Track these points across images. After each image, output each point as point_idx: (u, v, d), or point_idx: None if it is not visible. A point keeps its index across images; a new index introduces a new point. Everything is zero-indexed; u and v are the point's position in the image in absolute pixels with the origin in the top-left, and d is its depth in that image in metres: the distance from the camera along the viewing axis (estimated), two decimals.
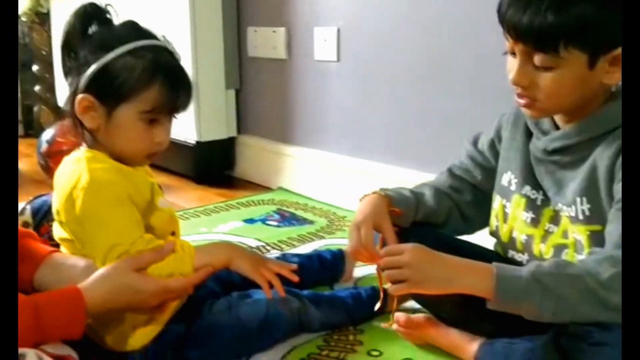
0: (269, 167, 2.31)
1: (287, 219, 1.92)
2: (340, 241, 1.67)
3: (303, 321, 1.15)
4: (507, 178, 1.07)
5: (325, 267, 1.39)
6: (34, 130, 3.31)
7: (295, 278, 1.04)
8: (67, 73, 1.01)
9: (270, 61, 2.23)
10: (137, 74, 0.95)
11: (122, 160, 1.00)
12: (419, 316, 1.13)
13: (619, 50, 0.88)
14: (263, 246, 1.66)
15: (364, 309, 1.22)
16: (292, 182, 2.22)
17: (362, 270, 1.47)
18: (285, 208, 2.02)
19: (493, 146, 1.13)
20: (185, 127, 2.30)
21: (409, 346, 1.14)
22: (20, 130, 3.48)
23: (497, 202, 1.09)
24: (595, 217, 0.93)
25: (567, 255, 0.98)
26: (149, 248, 0.95)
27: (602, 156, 0.91)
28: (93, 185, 0.94)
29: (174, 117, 1.02)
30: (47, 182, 2.19)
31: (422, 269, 0.90)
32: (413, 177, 1.80)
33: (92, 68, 0.95)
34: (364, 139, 1.99)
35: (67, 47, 0.99)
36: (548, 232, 1.01)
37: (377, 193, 1.09)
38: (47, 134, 2.27)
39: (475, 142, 1.17)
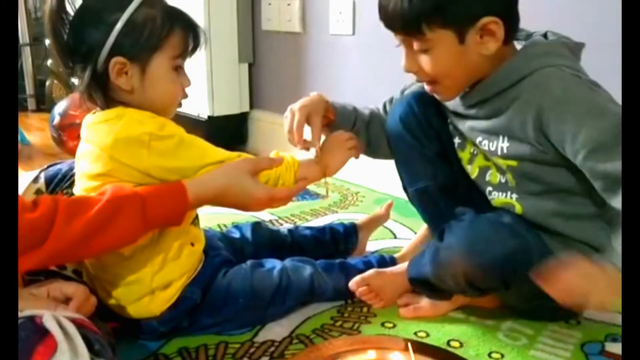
0: (282, 143, 2.28)
1: (300, 193, 1.90)
2: (353, 216, 1.66)
3: (316, 288, 1.15)
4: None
5: (338, 240, 1.38)
6: (45, 104, 3.32)
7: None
8: (64, 45, 0.98)
9: (285, 35, 2.20)
10: (160, 22, 0.97)
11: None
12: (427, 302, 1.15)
13: (484, 20, 0.91)
14: (276, 220, 1.66)
15: None
16: (305, 157, 2.19)
17: (376, 244, 1.46)
18: None
19: None
20: (197, 102, 2.28)
21: (422, 320, 1.13)
22: (32, 104, 3.49)
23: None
24: (512, 153, 0.98)
25: (491, 175, 1.05)
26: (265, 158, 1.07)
27: (524, 103, 0.94)
28: (163, 123, 0.97)
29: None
30: (60, 155, 2.20)
31: None
32: None
33: (116, 28, 0.94)
34: None
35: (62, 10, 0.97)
36: (473, 154, 1.08)
37: (320, 95, 1.21)
38: (60, 107, 2.26)
39: (403, 90, 1.26)
